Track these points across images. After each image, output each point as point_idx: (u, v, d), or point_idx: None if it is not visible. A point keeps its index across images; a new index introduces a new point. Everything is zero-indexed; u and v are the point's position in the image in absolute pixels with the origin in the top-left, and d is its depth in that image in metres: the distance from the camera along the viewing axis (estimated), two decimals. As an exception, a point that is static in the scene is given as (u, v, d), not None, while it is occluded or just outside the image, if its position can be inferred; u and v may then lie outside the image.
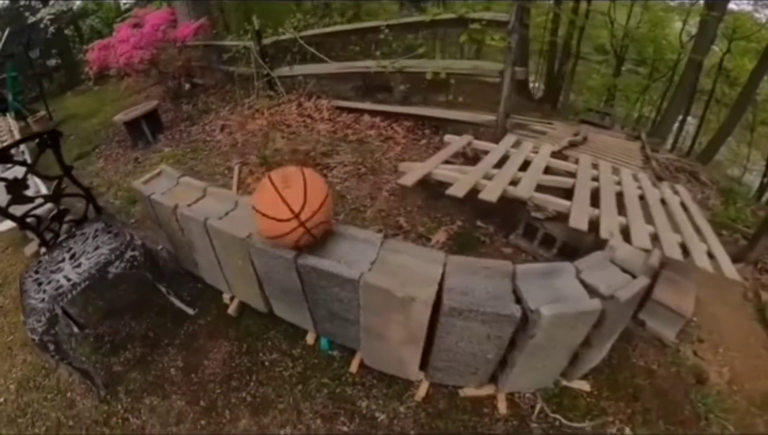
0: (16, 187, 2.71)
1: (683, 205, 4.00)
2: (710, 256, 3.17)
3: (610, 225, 3.16)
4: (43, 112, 8.49)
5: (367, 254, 2.53)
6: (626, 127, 7.55)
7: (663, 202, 3.90)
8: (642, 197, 3.85)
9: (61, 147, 2.86)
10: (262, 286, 2.90)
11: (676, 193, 4.31)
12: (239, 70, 7.74)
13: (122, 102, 9.19)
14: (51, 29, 9.69)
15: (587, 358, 2.58)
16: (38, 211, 2.94)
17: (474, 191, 3.62)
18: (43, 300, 2.40)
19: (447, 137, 5.06)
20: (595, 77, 13.76)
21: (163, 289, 3.17)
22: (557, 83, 13.11)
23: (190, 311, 3.25)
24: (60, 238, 2.99)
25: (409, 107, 6.08)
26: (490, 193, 3.52)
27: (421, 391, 2.59)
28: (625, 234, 3.12)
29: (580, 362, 2.59)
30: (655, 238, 3.16)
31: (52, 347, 2.35)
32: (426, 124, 5.99)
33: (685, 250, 3.13)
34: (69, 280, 2.52)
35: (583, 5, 11.88)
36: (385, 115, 6.25)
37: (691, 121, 13.94)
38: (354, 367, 2.75)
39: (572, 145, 5.16)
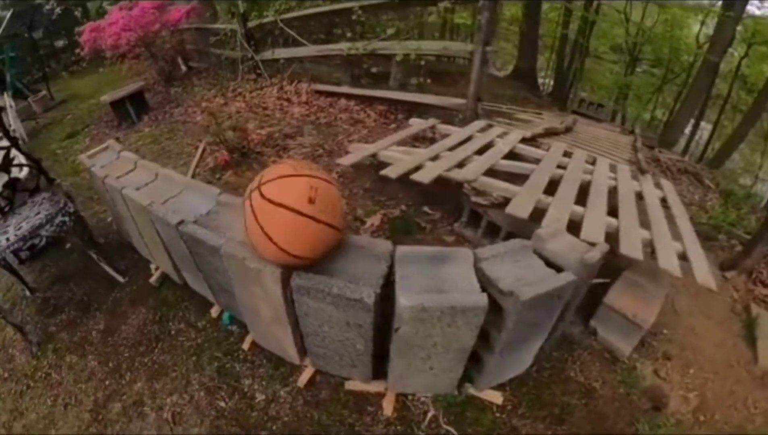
0: None
1: (664, 200, 3.32)
2: (684, 258, 2.52)
3: (559, 214, 2.53)
4: (44, 92, 8.24)
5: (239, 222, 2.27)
6: (634, 126, 6.73)
7: (639, 196, 3.24)
8: (615, 190, 3.19)
9: (4, 123, 3.08)
10: (171, 255, 2.76)
11: (659, 187, 3.62)
12: (226, 53, 7.33)
13: (121, 83, 8.90)
14: (57, 10, 9.44)
15: (498, 365, 2.03)
16: None
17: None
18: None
19: (411, 121, 4.49)
20: (607, 75, 12.77)
21: (94, 256, 3.13)
22: (567, 79, 12.27)
23: (121, 279, 3.24)
24: (15, 205, 3.05)
25: (383, 91, 5.49)
26: (425, 175, 2.93)
27: (304, 377, 2.34)
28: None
29: (487, 369, 2.05)
30: (616, 232, 2.52)
31: None
32: (399, 109, 5.40)
33: (653, 249, 2.49)
34: (8, 240, 2.63)
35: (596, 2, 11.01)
36: (361, 99, 5.69)
37: (706, 127, 12.80)
38: (246, 344, 2.58)
39: (552, 133, 4.49)
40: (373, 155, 3.66)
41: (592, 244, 2.04)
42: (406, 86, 5.86)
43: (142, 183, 2.85)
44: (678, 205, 3.24)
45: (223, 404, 2.29)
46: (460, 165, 3.27)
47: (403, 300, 1.67)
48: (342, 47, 5.45)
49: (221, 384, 2.39)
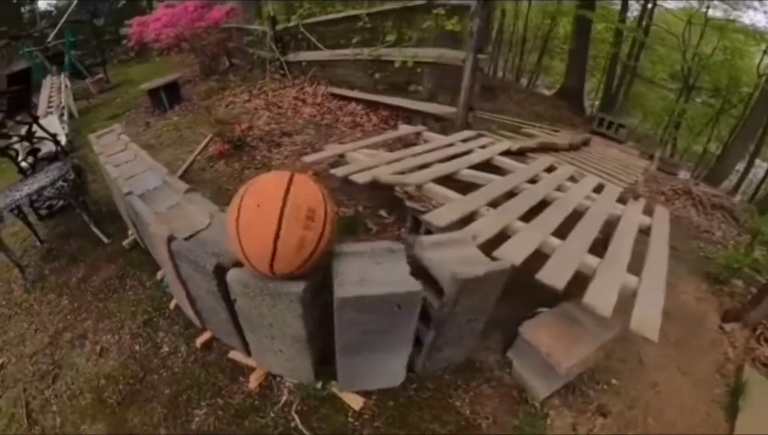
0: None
1: (645, 229, 2.83)
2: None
3: (490, 226, 2.18)
4: (101, 75, 8.74)
5: (172, 199, 2.55)
6: (665, 150, 5.94)
7: (614, 219, 2.77)
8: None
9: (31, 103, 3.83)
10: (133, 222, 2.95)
11: (649, 215, 3.11)
12: (259, 53, 7.41)
13: (170, 72, 9.27)
14: (123, 1, 10.01)
15: (349, 368, 1.90)
16: (16, 146, 3.64)
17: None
18: (-4, 205, 3.06)
19: (400, 127, 4.23)
20: (657, 101, 11.67)
21: (86, 218, 3.54)
22: (614, 102, 11.37)
23: (105, 240, 3.53)
24: (36, 170, 3.64)
25: (387, 97, 5.25)
26: (362, 176, 2.67)
27: (201, 339, 2.45)
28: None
29: (345, 371, 1.92)
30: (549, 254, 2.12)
31: None
32: (401, 115, 5.14)
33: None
34: (20, 195, 3.11)
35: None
36: (368, 103, 5.49)
37: (762, 165, 11.30)
38: (172, 305, 2.76)
39: (549, 149, 4.05)
40: (342, 156, 3.45)
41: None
42: (435, 96, 5.60)
43: (123, 161, 3.16)
44: (662, 237, 2.72)
45: (137, 348, 2.52)
46: (419, 169, 2.97)
47: (229, 274, 1.69)
48: (347, 52, 5.30)
49: (143, 333, 2.62)
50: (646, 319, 1.85)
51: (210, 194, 3.95)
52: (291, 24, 6.39)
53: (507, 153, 3.65)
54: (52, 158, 3.75)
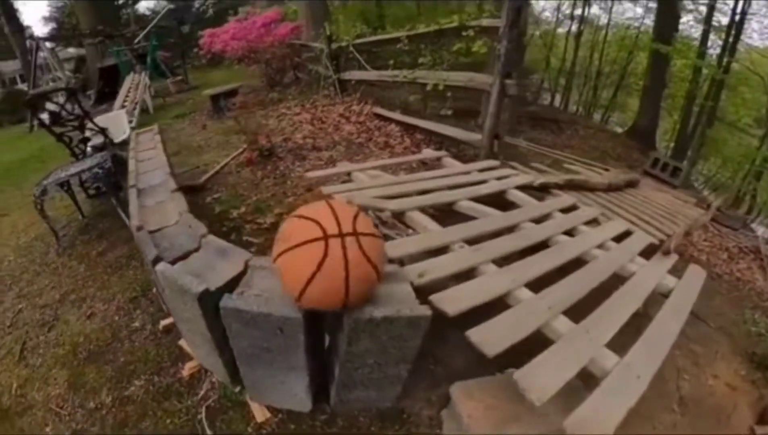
0: (55, 116, 3.88)
1: (666, 292, 2.36)
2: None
3: (443, 264, 1.90)
4: (180, 77, 9.41)
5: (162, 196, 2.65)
6: (723, 197, 5.07)
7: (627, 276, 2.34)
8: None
9: (80, 100, 4.17)
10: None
11: (676, 276, 2.62)
12: (317, 69, 7.57)
13: (244, 79, 9.74)
14: (211, 11, 10.79)
15: (249, 379, 1.80)
16: (70, 134, 3.98)
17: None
18: (46, 179, 3.47)
19: (424, 151, 4.03)
20: (738, 147, 10.28)
21: (114, 202, 3.72)
22: (687, 145, 10.26)
23: (128, 222, 3.65)
24: (86, 155, 4.03)
25: (421, 120, 5.06)
26: (344, 197, 2.49)
27: (165, 322, 2.54)
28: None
29: (248, 380, 1.80)
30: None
31: (38, 207, 3.34)
32: (433, 139, 4.92)
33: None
34: (62, 175, 3.51)
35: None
36: (406, 125, 5.34)
37: None
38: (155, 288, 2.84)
39: (580, 187, 3.62)
40: (348, 174, 3.31)
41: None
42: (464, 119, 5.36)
43: (146, 158, 3.43)
44: (681, 307, 2.22)
45: (116, 318, 2.70)
46: (418, 195, 2.75)
47: (159, 265, 1.70)
48: (388, 73, 5.20)
49: (126, 307, 2.80)
50: (595, 420, 1.43)
51: (225, 196, 4.06)
52: (344, 43, 6.45)
53: (527, 187, 3.31)
54: (100, 148, 4.16)
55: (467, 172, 3.41)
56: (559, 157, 6.47)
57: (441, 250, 2.09)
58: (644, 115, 11.24)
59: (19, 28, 10.36)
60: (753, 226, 10.45)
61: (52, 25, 14.50)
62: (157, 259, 1.75)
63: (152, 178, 2.91)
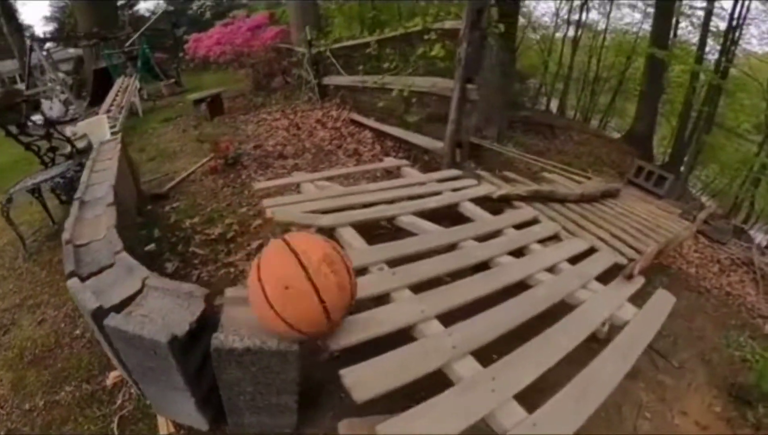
0: (22, 126, 3.85)
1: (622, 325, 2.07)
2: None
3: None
4: (173, 80, 9.24)
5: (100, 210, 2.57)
6: (697, 214, 4.59)
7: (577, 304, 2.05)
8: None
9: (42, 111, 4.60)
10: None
11: (634, 303, 2.33)
12: (301, 73, 7.36)
13: (235, 84, 9.53)
14: (208, 14, 10.62)
15: (148, 394, 1.81)
16: (38, 143, 3.97)
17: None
18: (14, 187, 3.50)
19: (386, 160, 3.79)
20: (736, 153, 9.82)
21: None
22: (684, 151, 9.87)
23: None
24: (55, 164, 3.98)
25: (391, 127, 4.81)
26: (278, 211, 2.27)
27: None
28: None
29: (148, 394, 1.82)
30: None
31: (4, 214, 3.31)
32: (402, 146, 4.66)
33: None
34: (31, 184, 3.50)
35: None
36: (377, 133, 5.09)
37: None
38: None
39: (546, 198, 3.33)
40: (298, 185, 3.08)
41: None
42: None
43: (101, 168, 3.31)
44: (634, 343, 1.90)
45: (62, 325, 2.70)
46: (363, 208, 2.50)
47: (69, 281, 1.71)
48: (358, 79, 4.96)
49: (72, 314, 2.75)
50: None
51: (183, 205, 3.91)
52: (322, 48, 6.23)
53: (487, 199, 3.03)
54: (69, 156, 4.05)
55: (423, 183, 3.15)
56: (545, 166, 6.18)
57: (359, 272, 1.83)
58: (641, 121, 10.87)
59: (18, 28, 10.31)
60: (751, 232, 10.03)
61: (53, 25, 14.48)
62: (70, 275, 1.77)
63: (99, 190, 2.85)
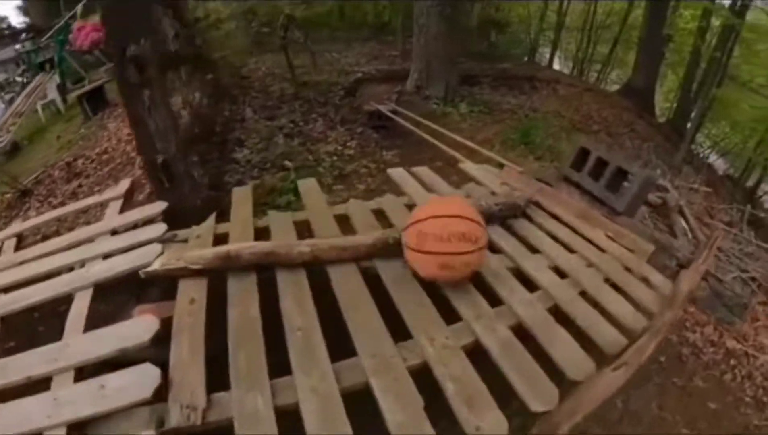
0: None
1: None
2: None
3: None
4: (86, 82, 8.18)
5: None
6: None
7: None
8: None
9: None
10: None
11: None
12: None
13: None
14: None
15: None
16: None
17: None
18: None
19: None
20: (746, 109, 7.48)
21: None
22: (693, 106, 7.80)
23: None
24: None
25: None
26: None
27: None
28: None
29: None
30: None
31: None
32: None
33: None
34: None
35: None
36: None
37: None
38: None
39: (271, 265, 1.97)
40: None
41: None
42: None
43: None
44: None
45: None
46: None
47: None
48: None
49: None
50: None
51: None
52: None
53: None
54: None
55: (91, 240, 1.95)
56: (474, 148, 4.58)
57: None
58: (640, 72, 8.66)
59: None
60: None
61: (24, 19, 13.59)
62: None
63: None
